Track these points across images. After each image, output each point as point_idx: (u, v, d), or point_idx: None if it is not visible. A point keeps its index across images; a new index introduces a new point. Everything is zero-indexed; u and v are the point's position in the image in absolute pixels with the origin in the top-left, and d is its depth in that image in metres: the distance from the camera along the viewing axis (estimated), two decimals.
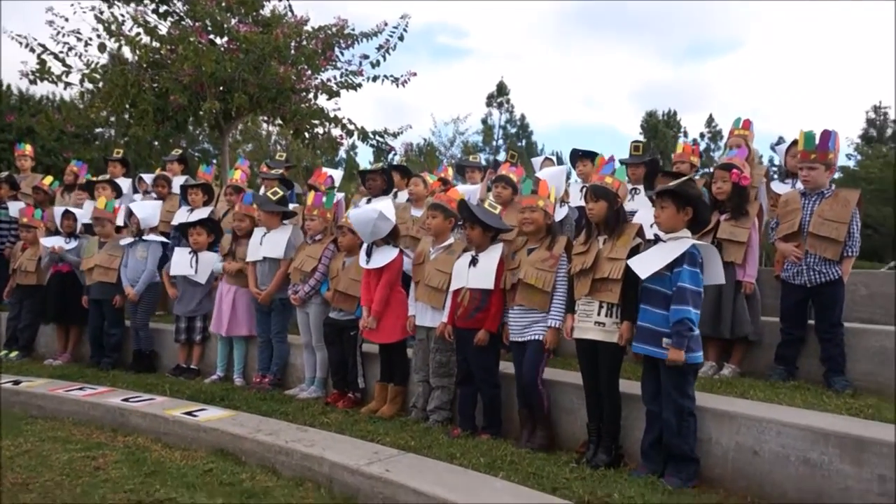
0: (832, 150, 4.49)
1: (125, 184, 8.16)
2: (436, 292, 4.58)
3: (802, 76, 55.01)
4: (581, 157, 6.50)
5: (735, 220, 4.69)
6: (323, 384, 5.32)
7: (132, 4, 9.60)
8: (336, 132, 10.60)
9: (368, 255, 4.89)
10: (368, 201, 6.37)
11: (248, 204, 5.92)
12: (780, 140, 7.15)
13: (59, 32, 9.46)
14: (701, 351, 3.60)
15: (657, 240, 3.76)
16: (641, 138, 32.41)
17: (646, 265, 3.63)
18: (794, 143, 5.88)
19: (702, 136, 34.50)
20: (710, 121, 34.63)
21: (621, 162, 6.08)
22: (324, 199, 5.52)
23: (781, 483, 3.33)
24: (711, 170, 5.55)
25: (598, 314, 3.81)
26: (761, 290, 4.91)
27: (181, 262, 6.07)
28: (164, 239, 6.61)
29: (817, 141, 4.48)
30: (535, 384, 4.11)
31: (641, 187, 5.92)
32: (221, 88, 9.55)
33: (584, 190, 4.15)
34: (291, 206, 6.13)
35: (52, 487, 3.63)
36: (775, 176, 7.03)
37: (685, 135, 34.38)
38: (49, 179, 8.17)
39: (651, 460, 3.61)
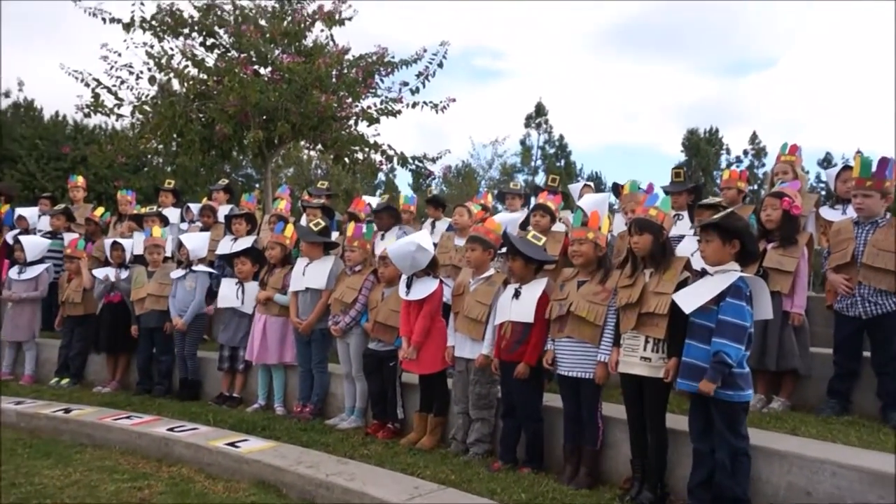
0: (889, 177, 4.35)
1: (175, 213, 8.40)
2: (475, 324, 4.55)
3: (848, 87, 53.50)
4: (622, 188, 6.43)
5: (783, 249, 4.54)
6: (363, 414, 5.32)
7: (181, 38, 9.95)
8: (376, 158, 10.77)
9: (408, 286, 4.91)
10: (382, 237, 6.44)
11: (279, 233, 6.02)
12: (828, 157, 7.00)
13: (112, 67, 9.88)
14: (751, 389, 3.49)
15: (704, 272, 3.67)
16: (682, 159, 31.91)
17: (690, 299, 3.54)
18: (846, 167, 5.73)
19: (745, 153, 33.77)
20: (754, 137, 33.87)
21: (663, 190, 6.02)
22: (364, 229, 5.57)
23: None
24: (756, 186, 5.46)
25: (644, 349, 3.73)
26: (811, 319, 4.77)
27: (228, 294, 6.18)
28: (211, 270, 6.75)
29: (874, 168, 4.34)
30: (594, 421, 4.04)
31: (685, 213, 5.83)
32: (265, 117, 9.81)
33: (629, 223, 4.08)
34: (333, 236, 6.21)
35: None
36: (825, 198, 6.84)
37: (727, 152, 33.69)
38: (100, 211, 8.44)
39: (698, 499, 3.50)
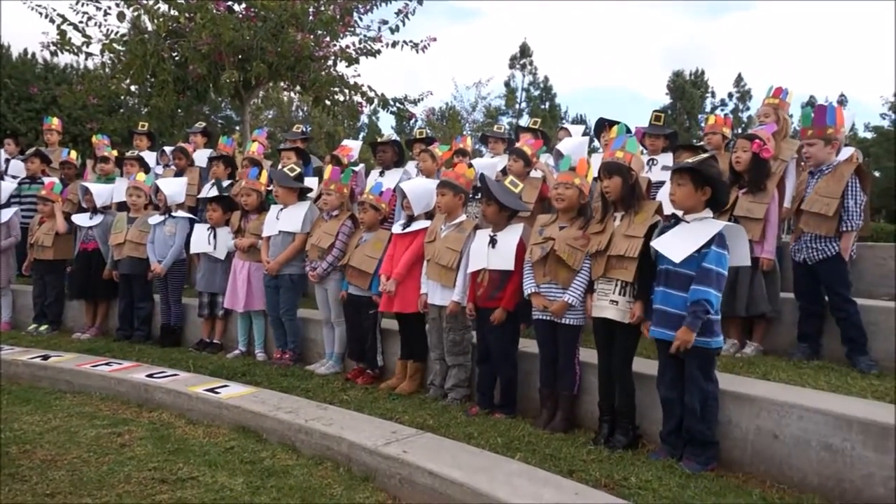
0: (831, 124, 4.38)
1: (151, 157, 8.20)
2: (445, 270, 4.52)
3: (833, 30, 52.96)
4: (608, 126, 6.33)
5: (752, 196, 4.56)
6: (341, 359, 5.36)
7: None
8: (356, 99, 10.52)
9: (404, 226, 4.92)
10: (381, 174, 6.34)
11: (254, 178, 5.91)
12: (812, 101, 6.95)
13: (77, 1, 9.44)
14: (721, 334, 3.54)
15: (676, 218, 3.65)
16: (666, 101, 31.58)
17: (678, 249, 3.48)
18: None
19: (730, 95, 33.56)
20: (739, 80, 33.61)
21: (643, 132, 5.95)
22: (341, 174, 5.48)
23: (802, 468, 3.29)
24: (740, 131, 5.48)
25: (614, 293, 3.76)
26: (784, 264, 4.82)
27: (200, 239, 6.12)
28: (191, 216, 6.63)
29: (812, 116, 4.41)
30: (572, 366, 4.07)
31: (659, 158, 5.79)
32: (240, 57, 9.49)
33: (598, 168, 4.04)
34: (308, 181, 6.11)
35: (80, 464, 3.71)
36: None
37: (713, 95, 33.45)
38: (74, 154, 8.23)
39: (670, 444, 3.58)
